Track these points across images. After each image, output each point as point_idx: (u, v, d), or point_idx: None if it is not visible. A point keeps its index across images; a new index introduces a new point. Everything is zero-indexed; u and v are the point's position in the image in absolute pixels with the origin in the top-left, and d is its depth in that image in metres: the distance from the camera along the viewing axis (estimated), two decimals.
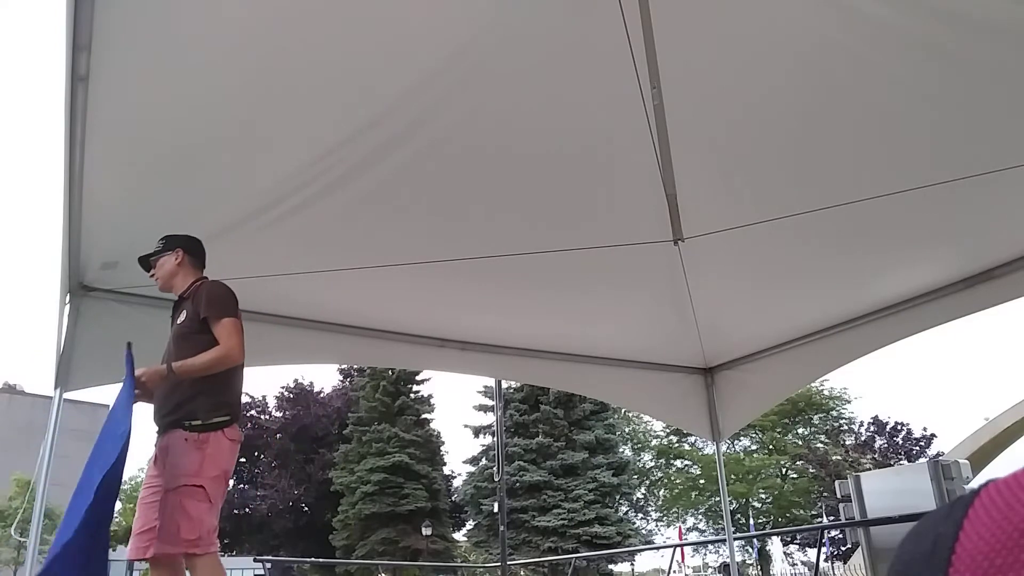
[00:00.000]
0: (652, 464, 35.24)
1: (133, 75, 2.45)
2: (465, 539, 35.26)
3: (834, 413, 31.71)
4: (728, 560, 11.33)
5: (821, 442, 31.58)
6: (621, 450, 33.69)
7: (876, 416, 31.00)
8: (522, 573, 29.83)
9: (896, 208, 3.24)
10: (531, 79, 2.70)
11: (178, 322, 2.94)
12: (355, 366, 34.10)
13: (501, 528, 12.54)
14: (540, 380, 7.88)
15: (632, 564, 35.24)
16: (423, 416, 33.83)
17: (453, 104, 2.74)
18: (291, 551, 31.42)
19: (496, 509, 13.40)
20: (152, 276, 3.09)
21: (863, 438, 30.89)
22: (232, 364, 2.81)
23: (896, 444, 30.04)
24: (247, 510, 33.93)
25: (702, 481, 31.01)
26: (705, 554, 33.17)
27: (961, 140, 2.94)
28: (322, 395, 37.15)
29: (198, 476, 2.69)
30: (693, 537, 31.59)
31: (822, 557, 16.99)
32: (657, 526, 34.97)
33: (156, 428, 2.88)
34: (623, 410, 31.36)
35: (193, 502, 2.64)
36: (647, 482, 35.08)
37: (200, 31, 2.35)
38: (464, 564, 29.37)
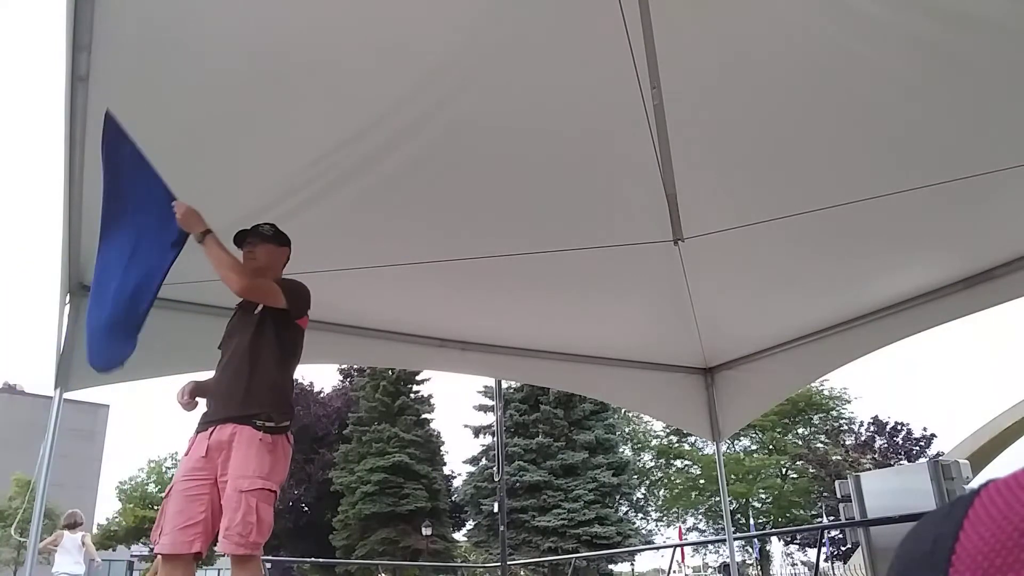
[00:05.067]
0: (652, 464, 35.23)
1: (133, 75, 2.45)
2: (465, 539, 35.26)
3: (834, 413, 31.69)
4: (728, 560, 11.33)
5: (821, 442, 31.56)
6: (621, 450, 33.69)
7: (876, 416, 30.99)
8: (522, 573, 29.83)
9: (896, 208, 3.25)
10: (531, 80, 2.70)
11: (255, 312, 2.80)
12: (355, 366, 34.11)
13: (501, 528, 12.55)
14: (540, 380, 7.89)
15: (632, 564, 35.27)
16: (423, 416, 33.83)
17: (453, 105, 2.74)
18: (291, 551, 31.41)
19: (496, 509, 13.41)
20: (250, 254, 2.89)
21: (863, 438, 30.86)
22: (235, 285, 2.65)
23: (896, 444, 30.01)
24: None
25: (702, 481, 31.00)
26: (705, 554, 33.18)
27: (962, 140, 2.94)
28: (322, 395, 37.14)
29: (270, 479, 2.64)
30: (693, 537, 31.61)
31: (822, 557, 16.99)
32: (657, 526, 35.00)
33: (207, 416, 2.73)
34: (623, 410, 31.35)
35: (266, 506, 2.63)
36: (647, 482, 35.06)
37: (200, 31, 2.35)
38: (464, 564, 29.36)
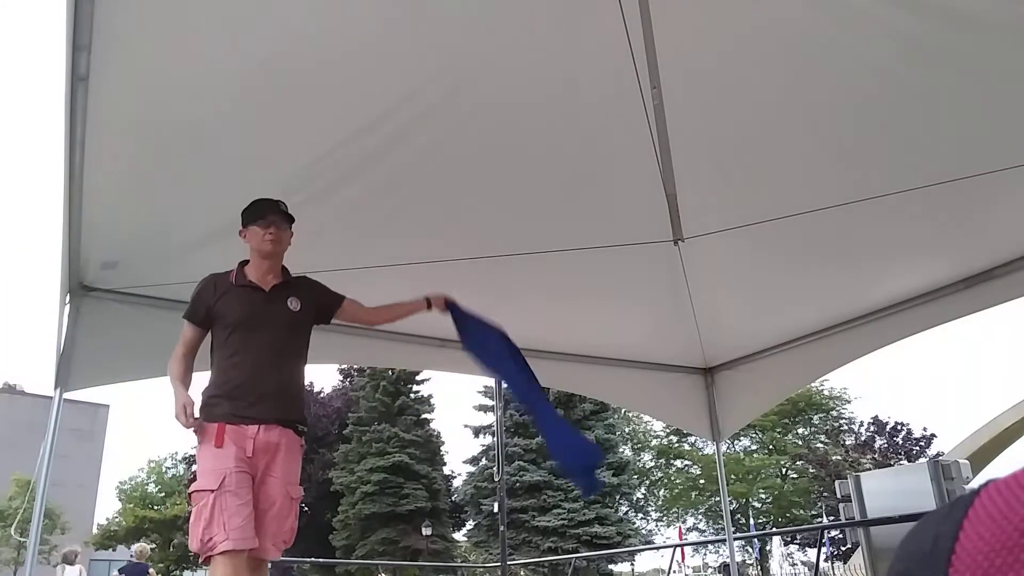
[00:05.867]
0: (652, 464, 35.23)
1: (133, 75, 2.45)
2: (465, 539, 35.26)
3: (834, 413, 31.68)
4: (728, 560, 11.33)
5: (821, 442, 31.55)
6: (621, 450, 33.68)
7: (876, 416, 30.97)
8: (522, 573, 29.83)
9: (896, 208, 3.25)
10: (531, 79, 2.69)
11: (292, 309, 2.73)
12: (355, 366, 34.08)
13: (501, 528, 12.53)
14: (540, 380, 7.87)
15: (632, 564, 35.27)
16: (423, 416, 33.82)
17: (453, 105, 2.74)
18: (291, 551, 31.24)
19: (496, 509, 13.41)
20: (276, 235, 2.73)
21: (863, 438, 30.85)
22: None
23: (896, 444, 29.99)
24: None
25: (702, 481, 31.00)
26: (705, 554, 33.18)
27: (962, 140, 2.94)
28: (322, 395, 37.10)
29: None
30: (693, 537, 31.61)
31: (822, 557, 16.99)
32: (657, 526, 35.00)
33: (246, 411, 2.55)
34: (623, 410, 31.35)
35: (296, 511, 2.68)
36: (647, 482, 35.06)
37: (200, 31, 2.35)
38: (464, 564, 29.35)
